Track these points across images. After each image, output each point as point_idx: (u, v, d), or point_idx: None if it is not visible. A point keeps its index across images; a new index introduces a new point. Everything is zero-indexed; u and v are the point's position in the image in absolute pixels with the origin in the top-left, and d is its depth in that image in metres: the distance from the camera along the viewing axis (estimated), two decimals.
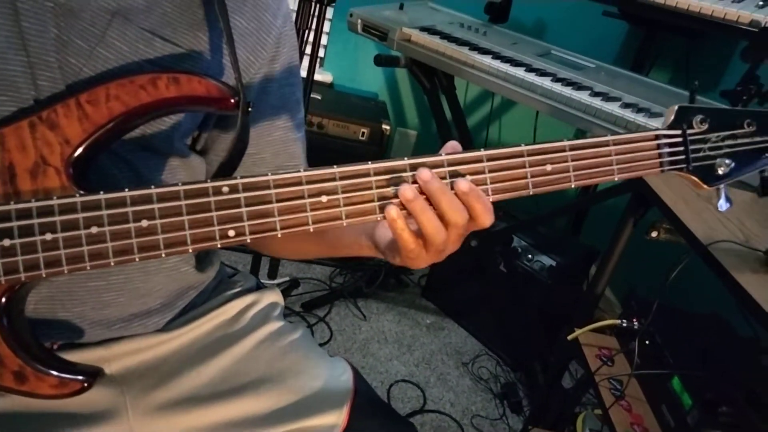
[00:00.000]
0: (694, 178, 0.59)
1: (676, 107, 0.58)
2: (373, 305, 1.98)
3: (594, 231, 2.10)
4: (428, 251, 0.53)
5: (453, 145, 0.54)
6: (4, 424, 0.59)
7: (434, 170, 0.52)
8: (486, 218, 0.52)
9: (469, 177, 0.53)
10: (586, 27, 1.94)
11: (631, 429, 1.12)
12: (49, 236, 0.48)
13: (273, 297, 0.79)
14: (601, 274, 1.33)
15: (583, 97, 1.29)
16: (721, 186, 0.60)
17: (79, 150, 0.49)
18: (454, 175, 0.53)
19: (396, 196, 0.51)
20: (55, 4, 0.50)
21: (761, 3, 1.21)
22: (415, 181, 0.51)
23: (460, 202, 0.51)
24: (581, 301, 1.47)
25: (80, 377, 0.53)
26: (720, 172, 0.59)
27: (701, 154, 0.58)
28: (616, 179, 0.57)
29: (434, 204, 0.51)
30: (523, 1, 1.83)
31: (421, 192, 0.51)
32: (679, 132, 0.58)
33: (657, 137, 0.57)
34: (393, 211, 0.50)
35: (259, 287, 0.80)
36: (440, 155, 0.53)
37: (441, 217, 0.51)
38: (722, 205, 0.61)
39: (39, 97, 0.51)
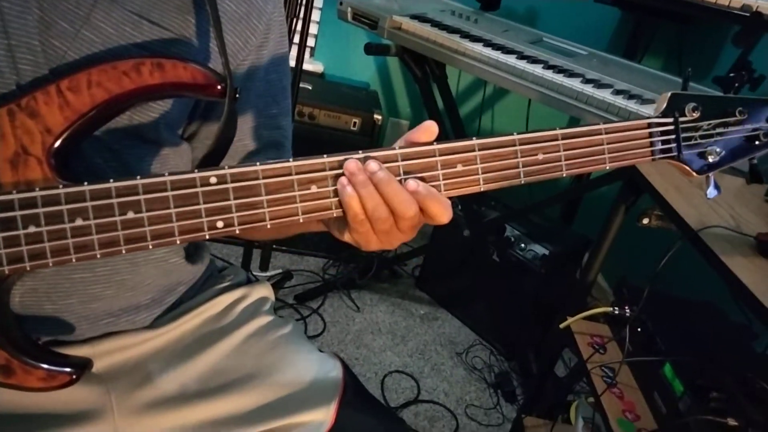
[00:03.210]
0: (684, 166, 0.59)
1: (669, 94, 0.57)
2: (366, 296, 1.98)
3: (587, 219, 2.11)
4: (374, 229, 0.51)
5: (429, 125, 0.52)
6: None
7: (424, 159, 0.51)
8: (443, 216, 0.51)
9: (460, 166, 0.52)
10: (577, 14, 1.93)
11: (623, 416, 1.13)
12: (32, 229, 0.47)
13: (263, 291, 0.78)
14: (593, 262, 1.33)
15: (574, 84, 1.28)
16: (710, 174, 0.60)
17: (61, 139, 0.48)
18: (445, 164, 0.52)
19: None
20: None
21: None
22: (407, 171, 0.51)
23: (408, 195, 0.50)
24: (574, 290, 1.47)
25: (68, 369, 0.53)
26: (710, 160, 0.59)
27: (692, 142, 0.58)
28: (607, 168, 0.56)
29: (381, 193, 0.50)
30: None
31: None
32: (670, 120, 0.57)
33: (649, 125, 0.57)
34: (343, 179, 0.49)
35: (250, 281, 0.79)
36: (432, 145, 0.52)
37: (390, 207, 0.50)
38: (711, 192, 0.61)
39: (21, 82, 0.50)
